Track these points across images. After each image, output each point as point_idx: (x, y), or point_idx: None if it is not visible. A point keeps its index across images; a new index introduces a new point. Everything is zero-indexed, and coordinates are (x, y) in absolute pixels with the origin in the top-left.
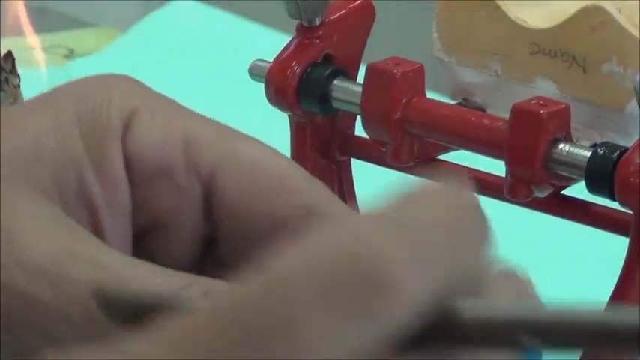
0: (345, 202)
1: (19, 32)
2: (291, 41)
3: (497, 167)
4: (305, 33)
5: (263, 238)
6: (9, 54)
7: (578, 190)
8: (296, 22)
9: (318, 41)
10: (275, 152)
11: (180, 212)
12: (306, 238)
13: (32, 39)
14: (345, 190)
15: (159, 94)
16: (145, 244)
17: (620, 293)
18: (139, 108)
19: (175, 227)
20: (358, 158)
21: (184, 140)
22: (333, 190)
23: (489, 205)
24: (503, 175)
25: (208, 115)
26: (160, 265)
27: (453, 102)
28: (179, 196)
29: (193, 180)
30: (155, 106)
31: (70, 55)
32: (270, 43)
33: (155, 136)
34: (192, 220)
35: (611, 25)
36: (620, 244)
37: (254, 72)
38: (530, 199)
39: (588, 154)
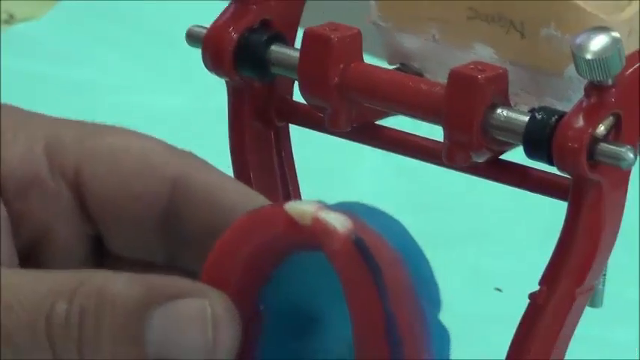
0: (284, 168)
1: None
2: (228, 7)
3: (435, 132)
4: None
5: (137, 218)
6: None
7: (516, 155)
8: None
9: (255, 7)
10: (139, 135)
11: (57, 218)
12: None
13: None
14: (283, 155)
15: (20, 110)
16: (33, 258)
17: (560, 257)
18: (5, 128)
19: (57, 234)
20: (296, 124)
21: (47, 148)
22: (271, 156)
23: (430, 170)
24: (442, 140)
25: (143, 79)
26: None
27: (390, 67)
28: (51, 203)
29: (61, 183)
30: (16, 123)
31: (10, 20)
32: (208, 8)
33: (18, 151)
34: (71, 224)
35: None
36: (559, 208)
37: (191, 37)
38: (468, 164)
39: (526, 118)
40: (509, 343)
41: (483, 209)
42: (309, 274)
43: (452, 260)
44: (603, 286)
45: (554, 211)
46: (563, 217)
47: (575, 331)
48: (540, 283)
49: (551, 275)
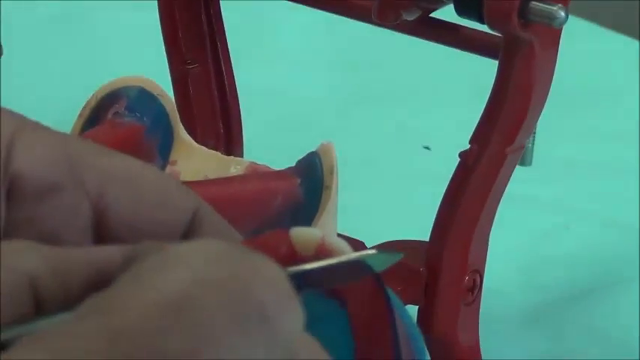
0: (212, 26)
1: None
2: None
3: None
4: None
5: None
6: None
7: (447, 13)
8: None
9: None
10: (146, 164)
11: (69, 231)
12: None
13: None
14: (212, 13)
15: (33, 120)
16: None
17: (490, 116)
18: (20, 131)
19: (64, 243)
20: None
21: (67, 159)
22: (199, 14)
23: (360, 27)
24: None
25: None
26: None
27: None
28: (68, 215)
29: (81, 197)
30: (35, 129)
31: None
32: None
33: (41, 155)
34: (80, 236)
35: None
36: (489, 66)
37: None
38: (398, 21)
39: None
40: (438, 200)
41: (413, 67)
42: None
43: (380, 118)
44: (533, 144)
45: (483, 70)
46: (494, 76)
47: (506, 190)
48: (471, 142)
49: (482, 134)
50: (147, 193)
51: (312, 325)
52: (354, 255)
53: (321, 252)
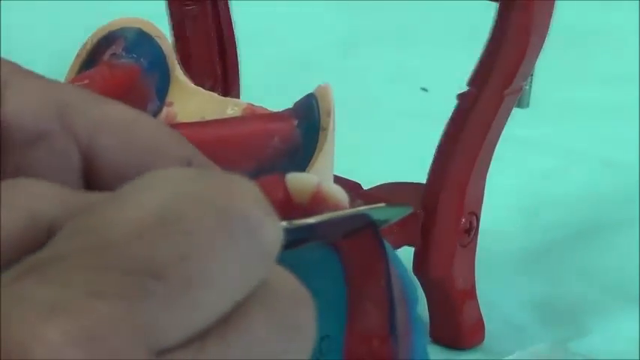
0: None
1: None
2: None
3: None
4: None
5: None
6: None
7: None
8: None
9: None
10: (141, 112)
11: (58, 176)
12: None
13: None
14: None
15: (25, 68)
16: None
17: (489, 58)
18: (9, 79)
19: None
20: None
21: (58, 107)
22: None
23: None
24: None
25: None
26: None
27: None
28: (58, 161)
29: (71, 145)
30: (25, 76)
31: None
32: None
33: (30, 103)
34: (70, 185)
35: None
36: (486, 9)
37: None
38: None
39: None
40: (436, 142)
41: (411, 9)
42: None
43: (378, 59)
44: (530, 86)
45: (482, 12)
46: (491, 18)
47: (504, 132)
48: (468, 84)
49: (480, 76)
50: (138, 142)
51: (305, 269)
52: (361, 208)
53: (317, 199)
